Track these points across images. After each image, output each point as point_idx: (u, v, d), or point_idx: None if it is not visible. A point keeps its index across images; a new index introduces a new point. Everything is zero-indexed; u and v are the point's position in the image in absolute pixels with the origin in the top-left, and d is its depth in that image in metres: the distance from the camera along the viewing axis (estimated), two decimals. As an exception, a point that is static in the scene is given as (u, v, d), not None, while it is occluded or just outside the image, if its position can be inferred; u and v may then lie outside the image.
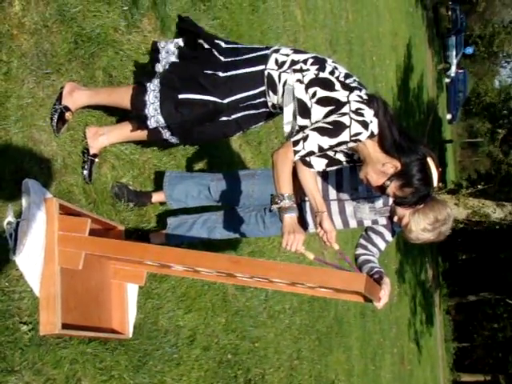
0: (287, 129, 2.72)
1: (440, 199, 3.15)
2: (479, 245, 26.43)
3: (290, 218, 2.62)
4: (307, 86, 2.67)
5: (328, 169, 2.88)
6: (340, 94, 2.63)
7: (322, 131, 2.59)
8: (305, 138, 2.60)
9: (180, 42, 2.91)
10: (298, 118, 2.66)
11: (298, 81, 2.69)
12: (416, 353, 15.05)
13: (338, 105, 2.61)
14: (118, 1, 3.40)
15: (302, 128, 2.65)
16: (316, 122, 2.63)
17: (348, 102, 2.59)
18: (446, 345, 28.75)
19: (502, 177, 19.17)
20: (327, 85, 2.66)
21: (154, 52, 2.90)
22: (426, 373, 17.60)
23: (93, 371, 2.72)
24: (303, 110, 2.65)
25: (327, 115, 2.61)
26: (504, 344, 27.87)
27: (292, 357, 5.32)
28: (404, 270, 14.40)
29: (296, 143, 2.61)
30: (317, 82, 2.67)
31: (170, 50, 2.88)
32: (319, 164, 2.82)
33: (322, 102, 2.64)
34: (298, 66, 2.70)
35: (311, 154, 2.65)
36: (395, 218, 3.01)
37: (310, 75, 2.68)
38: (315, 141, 2.60)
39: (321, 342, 6.32)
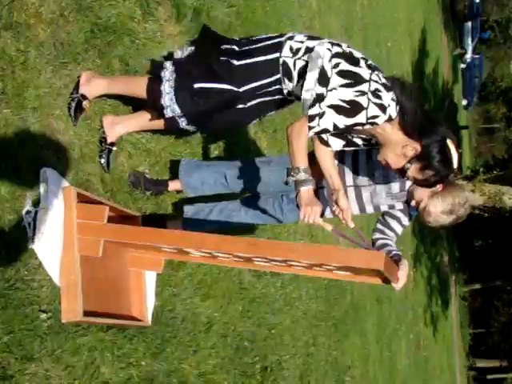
0: (307, 95, 2.66)
1: (457, 183, 3.13)
2: (495, 231, 26.28)
3: (307, 190, 2.63)
4: (333, 56, 2.64)
5: (346, 149, 2.88)
6: (363, 71, 2.60)
7: (338, 109, 2.56)
8: (321, 115, 2.58)
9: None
10: (316, 84, 2.61)
11: (328, 49, 2.66)
12: (432, 339, 15.04)
13: (358, 80, 2.57)
14: (133, -11, 3.40)
15: (319, 96, 2.59)
16: (332, 89, 2.58)
17: (369, 80, 2.56)
18: (462, 331, 28.70)
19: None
20: (352, 60, 2.63)
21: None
22: (441, 358, 17.60)
23: (111, 358, 2.75)
24: (322, 77, 2.60)
25: (345, 86, 2.57)
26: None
27: (308, 343, 5.34)
28: (420, 256, 14.36)
29: (312, 119, 2.59)
30: (343, 55, 2.65)
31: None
32: (336, 143, 2.81)
33: (343, 74, 2.59)
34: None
35: (326, 131, 2.63)
36: (413, 202, 2.99)
37: (336, 49, 2.67)
38: (331, 119, 2.58)
39: (337, 328, 6.33)
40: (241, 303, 4.12)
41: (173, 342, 3.23)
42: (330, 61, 2.63)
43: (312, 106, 2.59)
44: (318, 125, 2.59)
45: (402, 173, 2.65)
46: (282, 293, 4.90)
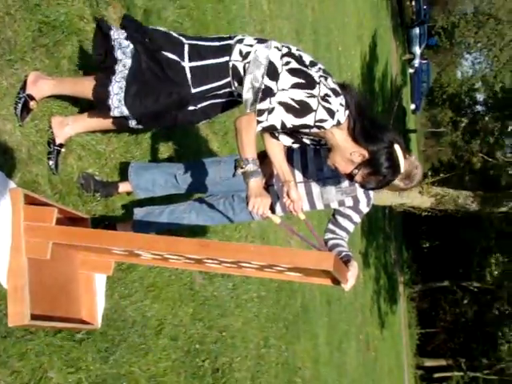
0: (247, 96, 2.68)
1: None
2: (442, 233, 26.88)
3: (256, 181, 2.64)
4: (283, 55, 2.66)
5: (294, 146, 2.90)
6: (313, 73, 2.62)
7: (288, 108, 2.58)
8: (270, 111, 2.59)
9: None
10: (266, 78, 2.61)
11: (276, 48, 2.68)
12: (381, 339, 15.28)
13: (308, 81, 2.59)
14: (82, -11, 3.36)
15: (267, 89, 2.60)
16: (282, 89, 2.59)
17: (319, 83, 2.59)
18: (410, 331, 29.25)
19: (464, 165, 19.52)
20: (302, 62, 2.66)
21: (107, 39, 2.78)
22: (390, 358, 17.90)
23: (59, 363, 2.70)
24: (273, 72, 2.61)
25: (295, 86, 2.58)
26: (465, 329, 28.50)
27: (259, 345, 5.36)
28: (369, 257, 14.59)
29: (261, 113, 2.60)
30: (293, 56, 2.67)
31: (122, 40, 2.79)
32: (285, 140, 2.85)
33: (294, 72, 2.61)
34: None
35: (273, 128, 2.64)
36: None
37: (285, 50, 2.68)
38: (279, 116, 2.59)
39: (288, 330, 6.37)
40: (192, 306, 4.11)
41: (123, 345, 3.20)
42: (280, 58, 2.65)
43: (262, 99, 2.60)
44: (267, 120, 2.61)
45: (350, 177, 2.69)
46: (233, 295, 4.90)
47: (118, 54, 2.73)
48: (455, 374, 29.52)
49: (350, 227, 3.15)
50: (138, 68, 2.72)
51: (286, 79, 2.60)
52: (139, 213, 3.43)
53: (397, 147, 2.62)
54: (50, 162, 2.92)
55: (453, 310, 30.15)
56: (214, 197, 3.35)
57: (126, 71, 2.72)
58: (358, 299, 12.15)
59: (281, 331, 6.13)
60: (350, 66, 14.14)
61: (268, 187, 3.15)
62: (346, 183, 3.07)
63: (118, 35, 2.75)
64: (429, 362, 32.61)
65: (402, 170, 2.67)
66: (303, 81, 2.59)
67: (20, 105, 2.74)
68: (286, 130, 2.69)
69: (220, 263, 2.47)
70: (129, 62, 2.73)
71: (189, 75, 2.72)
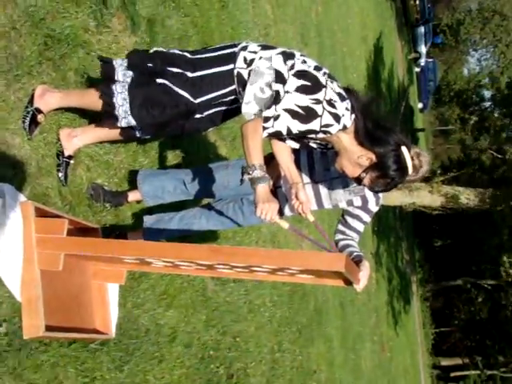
0: (247, 109, 2.69)
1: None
2: (454, 231, 26.76)
3: (263, 187, 2.63)
4: (286, 60, 2.67)
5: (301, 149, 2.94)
6: (318, 75, 2.63)
7: (293, 114, 2.59)
8: (276, 117, 2.61)
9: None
10: (273, 83, 2.63)
11: (280, 55, 2.69)
12: (395, 339, 15.22)
13: (315, 84, 2.60)
14: (86, 1, 3.38)
15: (275, 93, 2.62)
16: (287, 91, 2.60)
17: (326, 87, 2.59)
18: (425, 330, 29.11)
19: (473, 162, 19.43)
20: (307, 64, 2.68)
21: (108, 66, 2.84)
22: (405, 359, 17.81)
23: (74, 373, 2.72)
24: (279, 79, 2.63)
25: (301, 89, 2.59)
26: (480, 327, 28.31)
27: (273, 350, 5.36)
28: (381, 257, 14.56)
29: (266, 120, 2.62)
30: (297, 59, 2.69)
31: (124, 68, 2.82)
32: (292, 144, 2.87)
33: (300, 74, 2.62)
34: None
35: (279, 134, 2.65)
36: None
37: (289, 54, 2.71)
38: (285, 122, 2.60)
39: (301, 333, 6.37)
40: (204, 312, 4.12)
41: (137, 353, 3.21)
42: (284, 63, 2.66)
43: (268, 107, 2.62)
44: (273, 126, 2.62)
45: (358, 181, 2.70)
46: (245, 300, 4.91)
47: (120, 76, 2.77)
48: (472, 373, 29.33)
49: (360, 227, 3.15)
50: (140, 80, 2.74)
51: (292, 82, 2.61)
52: (149, 220, 3.45)
53: (404, 149, 2.62)
54: (60, 174, 2.94)
55: (467, 309, 29.96)
56: (223, 201, 3.37)
57: (128, 82, 2.74)
58: (372, 300, 12.11)
59: (294, 335, 6.12)
60: (355, 68, 14.14)
61: (276, 189, 3.16)
62: (353, 183, 3.07)
63: (120, 64, 2.79)
64: (445, 361, 32.44)
65: (410, 172, 2.67)
66: (309, 83, 2.60)
67: (28, 118, 2.77)
68: (292, 136, 2.70)
69: (231, 268, 2.48)
70: (129, 78, 2.75)
71: (194, 85, 2.74)
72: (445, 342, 32.61)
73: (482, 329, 28.29)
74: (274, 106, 2.60)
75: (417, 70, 30.50)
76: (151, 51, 2.87)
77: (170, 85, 2.73)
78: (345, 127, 2.61)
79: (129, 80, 2.75)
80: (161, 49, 2.87)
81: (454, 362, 32.29)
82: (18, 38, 2.80)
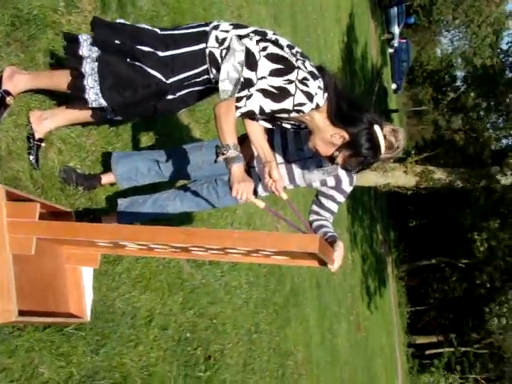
0: (223, 86, 2.65)
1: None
2: (428, 211, 27.04)
3: (238, 167, 2.63)
4: (259, 40, 2.65)
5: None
6: (290, 56, 2.62)
7: (266, 93, 2.59)
8: (248, 97, 2.60)
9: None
10: (245, 69, 2.61)
11: (252, 33, 2.67)
12: (371, 319, 15.40)
13: (287, 66, 2.59)
14: (55, -20, 3.32)
15: (247, 81, 2.60)
16: (262, 77, 2.60)
17: (297, 68, 2.59)
18: (400, 310, 29.48)
19: (446, 142, 19.62)
20: (279, 45, 2.66)
21: (73, 41, 2.77)
22: (381, 338, 18.05)
23: (50, 358, 2.70)
24: (251, 61, 2.61)
25: (274, 73, 2.59)
26: (454, 305, 28.78)
27: (250, 331, 5.38)
28: (356, 237, 14.67)
29: (239, 99, 2.61)
30: (269, 40, 2.67)
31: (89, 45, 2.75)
32: (265, 125, 2.87)
33: (272, 57, 2.61)
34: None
35: (252, 113, 2.65)
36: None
37: (262, 34, 2.68)
38: (258, 101, 2.60)
39: (278, 314, 6.40)
40: (181, 294, 4.11)
41: (113, 337, 3.20)
42: (257, 44, 2.64)
43: (240, 90, 2.60)
44: (245, 106, 2.62)
45: (331, 160, 2.70)
46: (221, 282, 4.91)
47: (84, 51, 2.71)
48: (446, 350, 29.80)
49: (334, 207, 3.16)
50: (108, 60, 2.69)
51: (264, 66, 2.60)
52: (123, 203, 3.42)
53: (376, 128, 2.63)
54: (31, 157, 2.90)
55: (441, 287, 30.38)
56: (198, 182, 3.35)
57: (96, 63, 2.69)
58: (347, 280, 12.23)
59: (271, 316, 6.15)
60: (329, 49, 14.14)
61: (249, 169, 3.16)
62: (326, 162, 3.08)
63: (85, 39, 2.73)
64: (420, 340, 32.90)
65: (383, 150, 2.68)
66: (282, 66, 2.59)
67: (-4, 101, 2.72)
68: (265, 116, 2.69)
69: (206, 250, 2.47)
70: (95, 55, 2.70)
71: (166, 64, 2.70)
72: (420, 320, 33.06)
73: (456, 307, 28.76)
74: (246, 89, 2.59)
75: (390, 50, 30.56)
76: (116, 22, 2.81)
77: (141, 65, 2.68)
78: (317, 106, 2.60)
79: (95, 56, 2.69)
80: (127, 22, 2.81)
81: (428, 339, 32.78)
82: (-17, 18, 2.74)
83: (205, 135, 5.14)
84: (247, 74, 2.61)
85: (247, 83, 2.60)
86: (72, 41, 2.76)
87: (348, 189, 3.17)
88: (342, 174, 3.11)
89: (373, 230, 18.88)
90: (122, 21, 2.82)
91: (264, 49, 2.63)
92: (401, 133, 3.07)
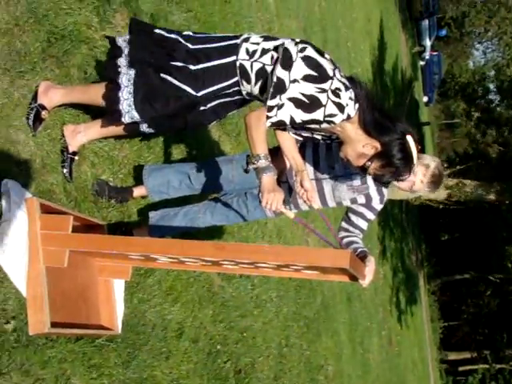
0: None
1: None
2: (461, 224, 26.70)
3: (268, 176, 2.64)
4: (299, 42, 2.64)
5: (302, 139, 2.96)
6: (327, 65, 2.60)
7: (297, 103, 2.58)
8: (279, 106, 2.59)
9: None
10: (278, 66, 2.60)
11: (292, 39, 2.68)
12: (403, 334, 15.20)
13: (322, 74, 2.57)
14: (89, -3, 3.38)
15: (280, 81, 2.58)
16: (294, 80, 2.57)
17: (332, 77, 2.57)
18: (433, 325, 29.09)
19: (479, 155, 19.37)
20: (318, 50, 2.65)
21: (114, 47, 2.83)
22: (413, 353, 17.79)
23: (82, 369, 2.72)
24: (287, 60, 2.59)
25: (307, 79, 2.57)
26: (489, 320, 28.27)
27: (281, 344, 5.35)
28: (387, 252, 14.53)
29: (270, 109, 2.60)
30: (309, 43, 2.66)
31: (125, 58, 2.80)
32: (297, 136, 2.88)
33: (308, 61, 2.59)
34: (269, 54, 2.67)
35: (282, 123, 2.64)
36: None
37: (300, 39, 2.70)
38: (289, 111, 2.59)
39: (309, 328, 6.36)
40: (211, 307, 4.11)
41: (144, 349, 3.21)
42: (295, 45, 2.63)
43: (273, 96, 2.59)
44: (276, 115, 2.60)
45: (362, 170, 2.69)
46: (252, 295, 4.91)
47: (122, 66, 2.75)
48: (481, 367, 29.29)
49: (364, 225, 3.14)
50: (144, 73, 2.73)
51: (299, 69, 2.58)
52: (154, 216, 3.44)
53: (409, 138, 2.61)
54: (64, 170, 2.94)
55: (475, 302, 29.92)
56: (228, 196, 3.36)
57: (132, 75, 2.73)
58: (379, 295, 12.10)
59: (302, 330, 6.12)
60: (359, 62, 14.10)
61: (279, 184, 3.15)
62: (357, 181, 3.07)
63: (122, 50, 2.78)
64: (453, 356, 32.40)
65: (415, 161, 2.66)
66: (316, 74, 2.57)
67: (32, 115, 2.77)
68: (295, 126, 2.69)
69: (237, 264, 2.48)
70: (132, 70, 2.74)
71: (196, 78, 2.72)
72: (453, 336, 32.56)
73: (490, 322, 28.25)
74: (278, 96, 2.59)
75: (421, 63, 30.40)
76: (152, 29, 2.84)
77: (172, 78, 2.71)
78: (349, 117, 2.59)
79: (132, 71, 2.74)
80: (162, 32, 2.83)
81: (462, 356, 32.24)
82: (21, 34, 2.80)
83: (235, 148, 5.16)
84: (280, 73, 2.59)
85: (279, 86, 2.58)
86: (111, 54, 2.81)
87: (378, 206, 3.15)
88: (373, 192, 3.09)
89: (404, 244, 18.68)
90: (158, 31, 2.84)
91: (302, 50, 2.61)
92: (438, 164, 3.10)
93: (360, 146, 2.63)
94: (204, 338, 3.90)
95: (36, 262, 2.42)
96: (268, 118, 2.62)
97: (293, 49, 2.61)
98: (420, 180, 3.06)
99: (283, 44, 2.64)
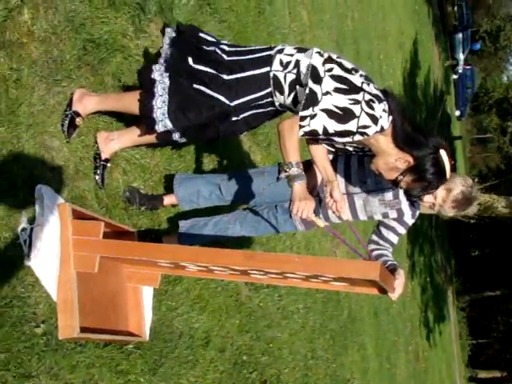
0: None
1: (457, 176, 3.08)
2: (491, 240, 26.33)
3: (300, 184, 2.65)
4: (325, 61, 2.64)
5: (338, 152, 2.97)
6: (355, 79, 2.61)
7: (330, 114, 2.58)
8: (312, 116, 2.59)
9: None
10: (310, 81, 2.60)
11: (318, 53, 2.67)
12: (431, 350, 15.00)
13: (352, 87, 2.58)
14: (125, 7, 3.42)
15: (312, 93, 2.59)
16: (326, 92, 2.58)
17: (362, 89, 2.58)
18: (461, 342, 28.64)
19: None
20: (344, 68, 2.65)
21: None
22: (441, 370, 17.53)
23: (109, 375, 2.74)
24: (315, 76, 2.60)
25: (339, 91, 2.57)
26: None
27: (307, 357, 5.32)
28: (416, 266, 14.37)
29: (303, 118, 2.60)
30: (335, 62, 2.66)
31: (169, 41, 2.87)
32: (329, 147, 2.89)
33: (336, 78, 2.59)
34: (303, 66, 2.68)
35: (315, 133, 2.63)
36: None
37: (327, 55, 2.69)
38: (322, 121, 2.59)
39: (335, 341, 6.31)
40: (238, 317, 4.11)
41: (171, 357, 3.22)
42: (323, 65, 2.63)
43: (305, 107, 2.60)
44: (309, 125, 2.60)
45: (395, 183, 2.67)
46: (279, 306, 4.89)
47: (157, 75, 2.79)
48: (510, 386, 28.76)
49: (394, 239, 3.12)
50: (178, 82, 2.76)
51: (328, 83, 2.59)
52: (184, 225, 3.46)
53: (442, 152, 2.59)
54: (97, 177, 2.97)
55: (506, 320, 29.40)
56: (258, 207, 3.36)
57: (167, 84, 2.76)
58: (407, 310, 11.96)
59: (328, 342, 6.07)
60: (391, 75, 14.03)
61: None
62: (389, 196, 3.04)
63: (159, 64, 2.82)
64: (482, 374, 31.86)
65: (448, 175, 2.63)
66: (346, 87, 2.58)
67: (67, 122, 2.81)
68: (328, 136, 2.68)
69: (265, 274, 2.47)
70: (167, 79, 2.77)
71: (230, 88, 2.74)
72: (482, 353, 32.02)
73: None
74: (311, 107, 2.59)
75: (454, 77, 30.15)
76: (193, 41, 2.87)
77: (206, 88, 2.74)
78: (382, 129, 2.58)
79: (167, 81, 2.76)
80: (201, 43, 2.86)
81: (491, 374, 31.69)
82: (58, 42, 2.85)
83: (265, 158, 5.16)
84: (312, 85, 2.59)
85: (312, 96, 2.58)
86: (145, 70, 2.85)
87: (410, 221, 3.12)
88: (405, 207, 3.06)
89: (433, 259, 18.47)
90: (197, 40, 2.87)
91: (329, 70, 2.62)
92: (473, 188, 3.06)
93: (392, 159, 2.61)
94: (230, 347, 3.90)
95: (67, 267, 2.45)
96: (301, 127, 2.62)
97: (320, 68, 2.62)
98: (439, 204, 3.00)
99: (310, 63, 2.64)
